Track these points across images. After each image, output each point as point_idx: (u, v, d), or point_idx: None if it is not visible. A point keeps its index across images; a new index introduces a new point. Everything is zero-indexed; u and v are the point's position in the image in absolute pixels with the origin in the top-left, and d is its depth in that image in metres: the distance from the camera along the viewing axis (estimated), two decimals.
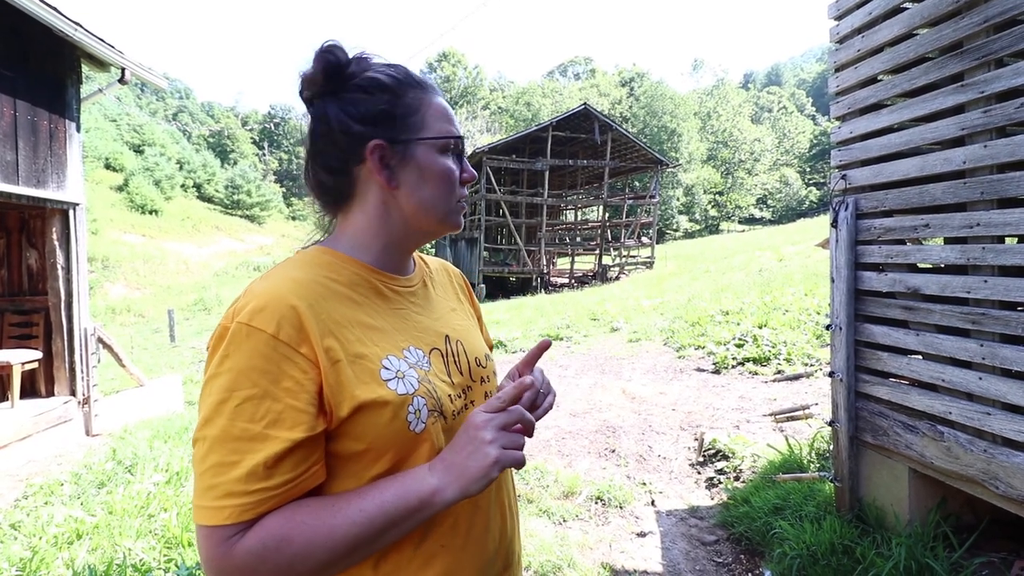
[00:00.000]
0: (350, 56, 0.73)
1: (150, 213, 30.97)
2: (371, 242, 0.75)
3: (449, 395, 0.73)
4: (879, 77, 2.43)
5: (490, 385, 0.83)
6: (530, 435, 0.67)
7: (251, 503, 0.57)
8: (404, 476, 0.63)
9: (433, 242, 28.75)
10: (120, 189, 31.52)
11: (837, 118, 2.64)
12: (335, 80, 0.71)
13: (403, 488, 0.62)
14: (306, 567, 0.58)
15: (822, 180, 47.41)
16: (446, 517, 0.69)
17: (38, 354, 4.81)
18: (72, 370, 4.95)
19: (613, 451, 4.04)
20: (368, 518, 0.59)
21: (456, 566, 0.70)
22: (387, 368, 0.67)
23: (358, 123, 0.71)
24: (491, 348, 0.97)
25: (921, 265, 2.30)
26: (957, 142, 2.08)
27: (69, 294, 4.92)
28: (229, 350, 0.60)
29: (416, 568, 0.67)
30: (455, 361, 0.77)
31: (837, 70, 2.62)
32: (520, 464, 0.63)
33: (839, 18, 2.59)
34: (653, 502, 3.24)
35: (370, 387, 0.64)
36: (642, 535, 2.86)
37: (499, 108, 51.98)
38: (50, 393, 4.98)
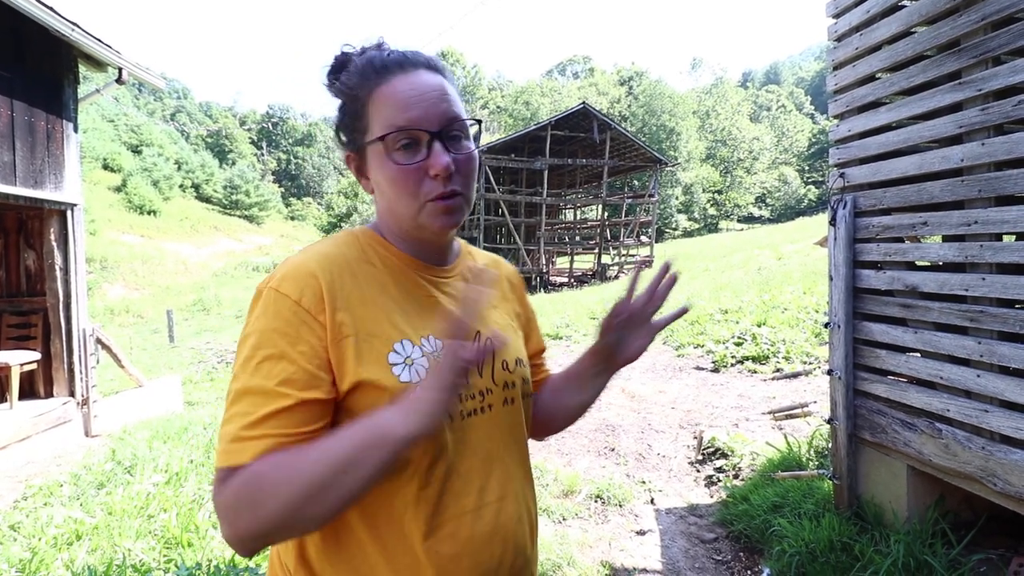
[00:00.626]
0: (335, 64, 0.73)
1: (148, 213, 30.94)
2: (393, 234, 0.75)
3: (460, 394, 0.69)
4: (877, 75, 2.43)
5: (515, 391, 0.78)
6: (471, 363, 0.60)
7: (250, 447, 0.59)
8: (367, 417, 0.61)
9: None
10: (118, 190, 31.49)
11: (835, 116, 2.64)
12: (331, 91, 0.74)
13: (363, 424, 0.60)
14: (276, 503, 0.57)
15: (821, 179, 47.46)
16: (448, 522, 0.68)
17: (36, 355, 4.80)
18: (71, 371, 4.94)
19: (612, 449, 4.04)
20: (326, 455, 0.59)
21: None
22: (397, 352, 0.67)
23: (337, 134, 0.75)
24: (542, 351, 0.95)
25: (919, 263, 2.30)
26: (955, 140, 2.08)
27: (67, 295, 4.91)
28: (259, 311, 0.65)
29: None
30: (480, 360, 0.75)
31: (835, 68, 2.62)
32: (472, 359, 0.59)
33: (837, 16, 2.59)
34: (652, 500, 3.25)
35: (372, 368, 0.65)
36: (641, 533, 2.87)
37: (498, 107, 51.97)
38: (49, 394, 4.97)
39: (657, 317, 0.85)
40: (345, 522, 0.67)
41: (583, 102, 21.04)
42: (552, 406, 0.92)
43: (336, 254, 0.69)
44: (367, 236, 0.75)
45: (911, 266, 2.30)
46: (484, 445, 0.72)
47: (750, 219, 46.74)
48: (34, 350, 4.86)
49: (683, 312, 0.84)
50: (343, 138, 0.74)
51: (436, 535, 0.67)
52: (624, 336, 0.84)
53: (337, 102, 0.75)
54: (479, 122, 0.75)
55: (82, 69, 5.03)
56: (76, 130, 4.92)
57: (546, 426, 0.94)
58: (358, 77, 0.69)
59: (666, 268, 0.81)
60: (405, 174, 0.67)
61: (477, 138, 0.74)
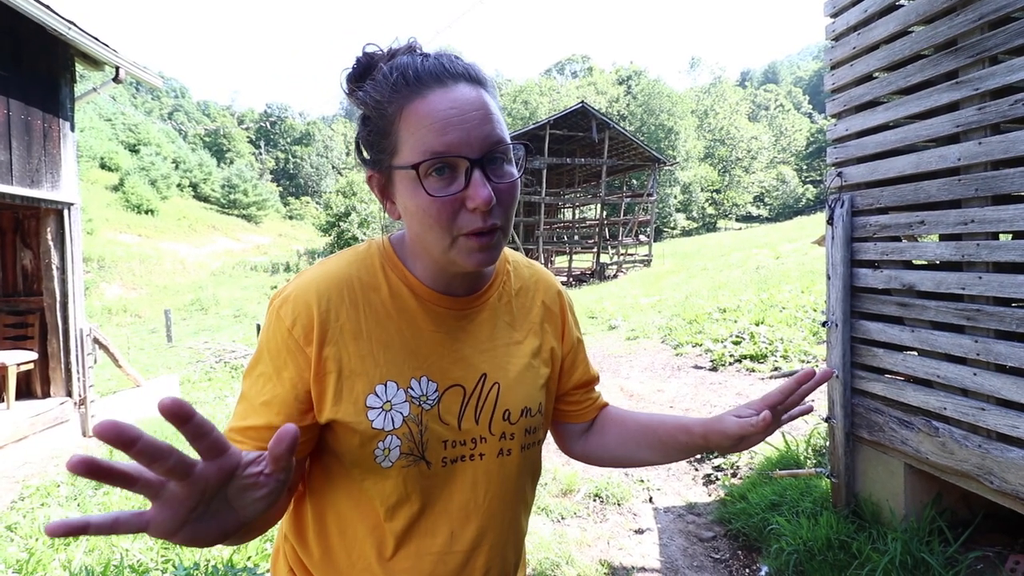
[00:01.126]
0: (356, 67, 0.64)
1: (146, 213, 30.87)
2: (418, 263, 0.68)
3: (445, 440, 0.67)
4: (874, 74, 2.43)
5: (514, 443, 0.71)
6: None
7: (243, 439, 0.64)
8: None
9: None
10: (115, 189, 31.41)
11: (833, 115, 2.64)
12: (352, 99, 0.65)
13: None
14: None
15: (819, 178, 47.54)
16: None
17: (33, 355, 4.79)
18: (68, 371, 4.93)
19: None
20: None
21: None
22: (377, 395, 0.65)
23: (359, 153, 0.67)
24: (590, 383, 0.85)
25: (916, 262, 2.31)
26: (952, 139, 2.09)
27: (64, 294, 4.90)
28: (265, 326, 0.67)
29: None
30: (476, 406, 0.69)
31: (833, 67, 2.63)
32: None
33: (835, 15, 2.59)
34: (651, 499, 3.25)
35: (348, 408, 0.64)
36: (640, 532, 2.87)
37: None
38: (46, 394, 4.96)
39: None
40: (323, 523, 0.71)
41: (582, 101, 21.03)
42: (611, 444, 0.83)
43: (344, 276, 0.66)
44: (384, 256, 0.69)
45: (908, 265, 2.31)
46: (465, 494, 0.69)
47: (748, 218, 46.79)
48: (31, 350, 4.85)
49: (807, 411, 0.71)
50: (366, 155, 0.65)
51: (395, 561, 0.68)
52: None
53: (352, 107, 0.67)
54: (526, 146, 0.64)
55: (79, 68, 5.01)
56: (73, 129, 4.90)
57: (588, 457, 0.86)
58: (388, 88, 0.59)
59: (813, 375, 0.66)
60: (439, 206, 0.58)
61: (521, 163, 0.63)
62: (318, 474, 0.71)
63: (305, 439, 0.66)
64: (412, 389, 0.66)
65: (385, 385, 0.65)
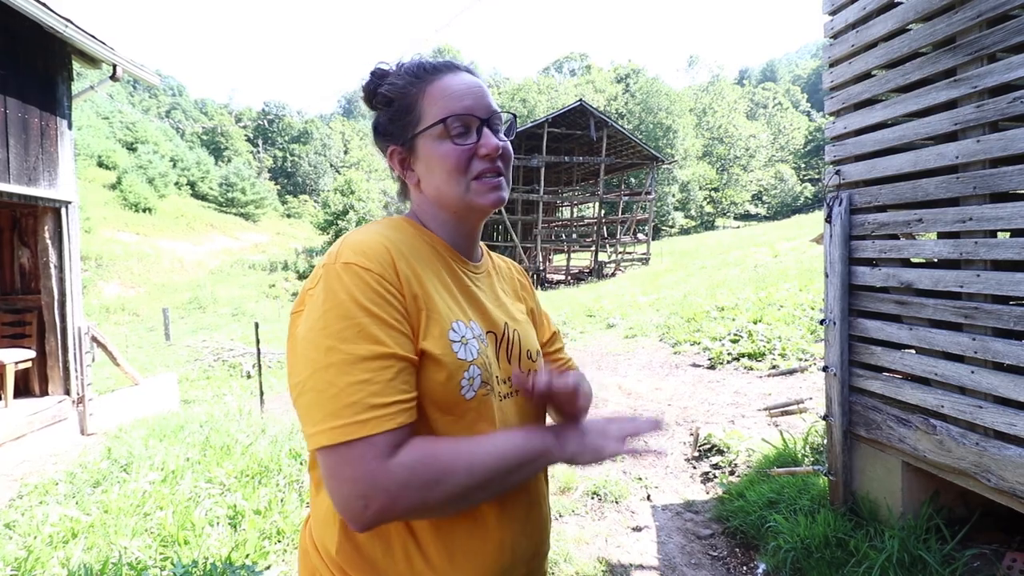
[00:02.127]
0: (375, 75, 0.80)
1: (144, 211, 30.78)
2: (434, 224, 0.80)
3: (496, 376, 0.76)
4: (873, 72, 2.43)
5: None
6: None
7: (392, 413, 0.63)
8: (532, 432, 0.71)
9: None
10: (113, 187, 31.32)
11: (831, 113, 2.64)
12: (369, 100, 0.82)
13: (530, 438, 0.70)
14: (448, 486, 0.63)
15: (817, 176, 47.58)
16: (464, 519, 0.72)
17: (31, 353, 4.78)
18: (66, 369, 4.92)
19: None
20: (503, 452, 0.67)
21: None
22: (455, 331, 0.71)
23: (380, 135, 0.82)
24: (556, 334, 1.01)
25: (914, 260, 2.31)
26: (950, 137, 2.09)
27: (62, 293, 4.89)
28: (332, 287, 0.66)
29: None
30: (508, 349, 0.80)
31: (831, 65, 2.63)
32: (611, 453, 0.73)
33: (833, 13, 2.59)
34: (649, 497, 3.26)
35: (435, 342, 0.69)
36: (638, 530, 2.88)
37: None
38: (44, 392, 4.95)
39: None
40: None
41: (580, 99, 21.02)
42: None
43: (389, 236, 0.73)
44: (410, 224, 0.80)
45: (906, 263, 2.31)
46: (517, 426, 0.78)
47: (747, 216, 46.82)
48: (29, 348, 4.84)
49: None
50: (390, 132, 0.79)
51: (503, 508, 0.75)
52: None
53: (371, 114, 0.83)
54: (514, 116, 0.84)
55: (76, 66, 4.98)
56: (70, 127, 4.88)
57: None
58: (410, 76, 0.77)
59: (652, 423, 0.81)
60: (459, 153, 0.74)
61: (510, 132, 0.82)
62: None
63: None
64: (472, 328, 0.74)
65: (458, 323, 0.72)
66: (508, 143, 0.79)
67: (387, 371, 0.63)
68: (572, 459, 0.71)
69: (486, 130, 0.76)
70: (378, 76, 0.80)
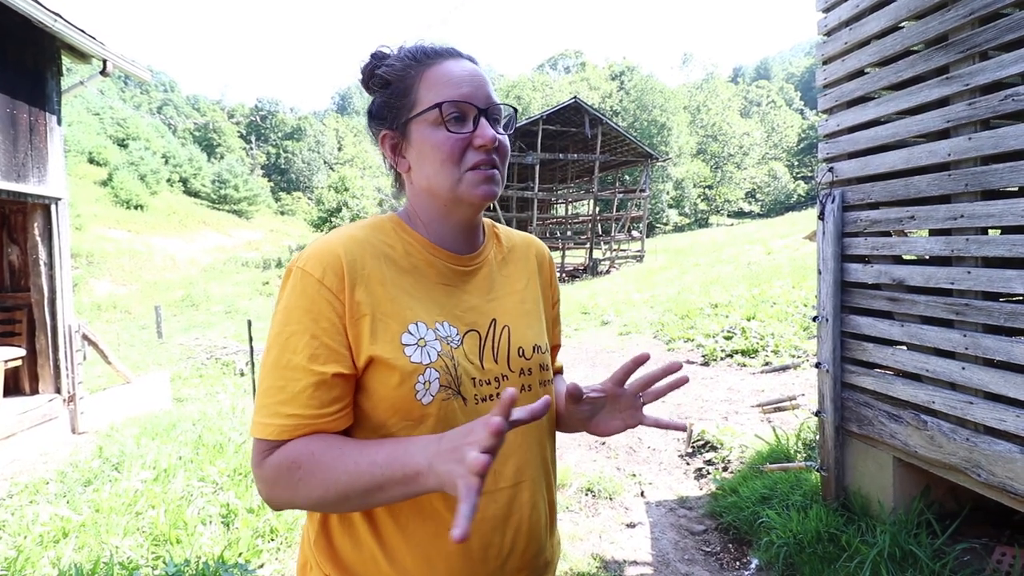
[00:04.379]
0: (375, 56, 0.78)
1: (135, 208, 30.49)
2: (423, 215, 0.78)
3: (474, 378, 0.72)
4: (866, 70, 2.44)
5: (532, 378, 0.79)
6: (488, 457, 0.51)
7: (287, 426, 0.65)
8: (406, 443, 0.62)
9: None
10: (104, 184, 30.99)
11: (824, 111, 2.65)
12: (366, 83, 0.79)
13: (396, 455, 0.61)
14: (307, 492, 0.64)
15: (810, 174, 47.80)
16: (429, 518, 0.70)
17: (21, 351, 4.72)
18: (56, 367, 4.87)
19: (603, 443, 4.06)
20: (359, 472, 0.62)
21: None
22: (410, 333, 0.69)
23: (373, 119, 0.79)
24: (557, 348, 0.94)
25: (906, 257, 2.33)
26: (942, 134, 2.10)
27: (52, 290, 4.83)
28: (288, 289, 0.69)
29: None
30: (493, 347, 0.76)
31: (824, 63, 2.63)
32: (483, 465, 0.50)
33: (827, 11, 2.60)
34: (643, 493, 3.27)
35: (385, 346, 0.67)
36: (632, 526, 2.89)
37: None
38: (34, 391, 4.89)
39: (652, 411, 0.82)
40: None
41: (574, 97, 20.99)
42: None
43: (361, 236, 0.73)
44: (394, 222, 0.78)
45: (898, 260, 2.33)
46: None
47: (740, 214, 47.02)
48: (19, 346, 4.78)
49: (679, 427, 0.78)
50: (384, 115, 0.77)
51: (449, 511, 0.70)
52: (598, 411, 0.80)
53: (368, 97, 0.80)
54: (515, 110, 0.80)
55: (66, 61, 4.91)
56: (60, 123, 4.82)
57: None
58: (409, 59, 0.75)
59: (674, 368, 0.76)
60: (453, 142, 0.71)
61: (509, 127, 0.78)
62: None
63: (348, 402, 0.68)
64: (439, 329, 0.72)
65: (416, 325, 0.70)
66: (506, 137, 0.75)
67: (298, 383, 0.65)
68: (438, 477, 0.56)
69: (483, 120, 0.72)
70: (377, 58, 0.78)
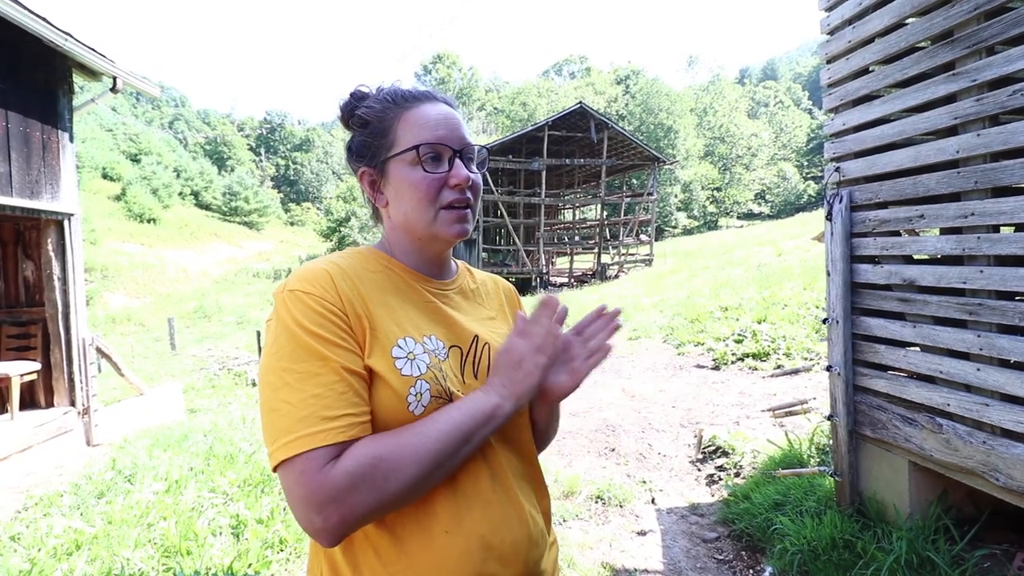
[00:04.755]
0: (354, 96, 0.82)
1: (148, 222, 30.97)
2: (400, 247, 0.82)
3: (459, 392, 0.74)
4: (871, 68, 2.41)
5: None
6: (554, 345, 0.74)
7: (342, 426, 0.64)
8: (464, 400, 0.71)
9: None
10: (118, 198, 31.53)
11: (830, 110, 2.62)
12: (345, 121, 0.83)
13: (468, 407, 0.69)
14: (398, 482, 0.63)
15: (820, 174, 47.37)
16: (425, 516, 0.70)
17: (37, 365, 4.79)
18: (71, 380, 4.93)
19: (613, 450, 4.02)
20: (445, 432, 0.66)
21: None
22: (400, 347, 0.71)
23: (353, 157, 0.83)
24: None
25: (917, 256, 2.28)
26: (950, 131, 2.07)
27: (66, 304, 4.91)
28: (283, 313, 0.68)
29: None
30: (474, 363, 0.79)
31: (829, 62, 2.61)
32: (552, 354, 0.74)
33: (830, 9, 2.58)
34: (653, 500, 3.23)
35: (378, 360, 0.69)
36: (642, 533, 2.85)
37: (495, 109, 51.98)
38: (50, 404, 4.96)
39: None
40: (382, 523, 0.70)
41: (580, 102, 21.02)
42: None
43: (343, 262, 0.75)
44: (371, 251, 0.81)
45: (909, 260, 2.29)
46: (495, 437, 0.76)
47: (750, 216, 46.67)
48: (34, 360, 4.86)
49: (606, 351, 0.82)
50: (363, 153, 0.81)
51: (463, 522, 0.71)
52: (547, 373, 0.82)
53: (347, 133, 0.84)
54: (487, 150, 0.85)
55: (77, 79, 5.02)
56: (72, 140, 4.92)
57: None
58: (388, 101, 0.79)
59: (600, 312, 0.81)
60: (429, 181, 0.75)
61: (483, 165, 0.84)
62: None
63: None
64: (426, 343, 0.74)
65: (405, 339, 0.72)
66: (479, 176, 0.80)
67: (337, 385, 0.65)
68: (516, 398, 0.72)
69: (458, 161, 0.77)
70: (357, 98, 0.82)
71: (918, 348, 2.23)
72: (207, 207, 40.17)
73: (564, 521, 2.99)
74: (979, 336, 1.94)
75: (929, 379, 2.19)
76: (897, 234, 2.33)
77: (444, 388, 0.72)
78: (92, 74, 5.02)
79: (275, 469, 0.63)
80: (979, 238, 1.93)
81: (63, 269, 4.89)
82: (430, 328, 0.76)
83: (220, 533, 2.78)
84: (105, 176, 33.95)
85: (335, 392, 0.64)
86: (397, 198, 0.78)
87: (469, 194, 0.78)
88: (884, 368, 2.40)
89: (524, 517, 0.76)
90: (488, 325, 0.86)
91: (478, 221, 20.33)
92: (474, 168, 0.80)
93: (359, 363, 0.68)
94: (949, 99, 2.05)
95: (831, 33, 2.58)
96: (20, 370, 4.55)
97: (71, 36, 4.43)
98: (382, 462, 0.63)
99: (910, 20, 2.21)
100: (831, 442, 2.72)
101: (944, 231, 2.13)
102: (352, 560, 0.71)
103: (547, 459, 3.90)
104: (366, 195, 0.83)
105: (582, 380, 0.78)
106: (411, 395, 0.69)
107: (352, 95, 0.83)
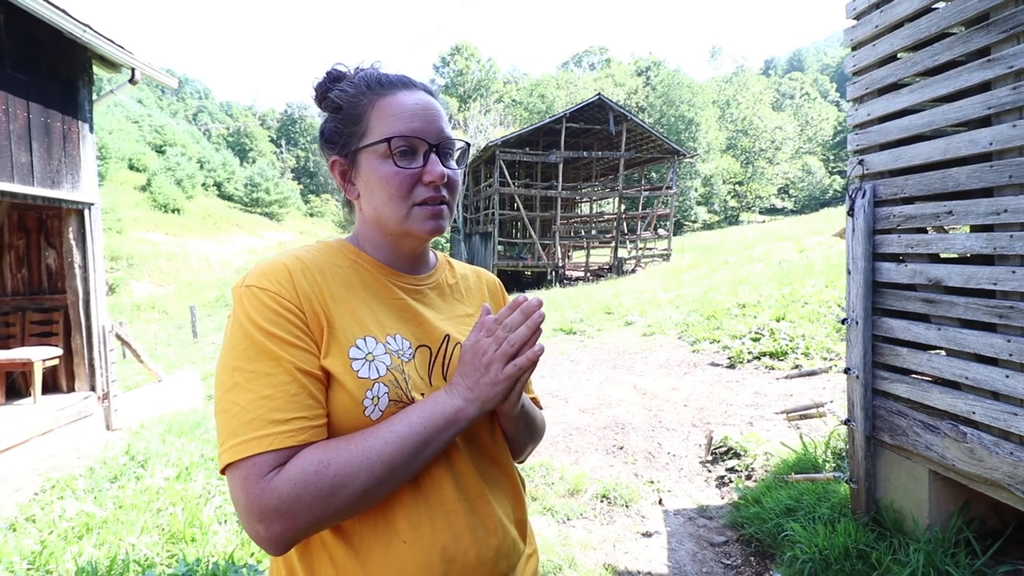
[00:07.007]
0: (329, 76, 0.77)
1: (173, 212, 31.65)
2: (371, 242, 0.77)
3: (422, 393, 0.70)
4: (898, 55, 2.29)
5: None
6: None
7: (291, 431, 0.60)
8: (425, 401, 0.66)
9: (447, 237, 28.79)
10: (143, 189, 32.25)
11: (854, 100, 2.50)
12: (319, 101, 0.78)
13: (428, 410, 0.65)
14: (347, 491, 0.59)
15: (846, 168, 46.00)
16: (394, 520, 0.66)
17: (58, 351, 4.92)
18: (92, 366, 5.05)
19: (621, 448, 3.96)
20: (400, 437, 0.62)
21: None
22: (358, 347, 0.67)
23: (325, 142, 0.77)
24: None
25: (944, 255, 2.17)
26: (983, 122, 1.94)
27: (87, 292, 5.02)
28: (239, 310, 0.65)
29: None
30: (444, 363, 0.74)
31: (854, 48, 2.48)
32: (527, 365, 0.65)
33: None
34: (661, 501, 3.16)
35: (334, 361, 0.65)
36: (648, 535, 2.79)
37: (513, 101, 51.65)
38: (71, 389, 5.10)
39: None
40: (339, 530, 0.67)
41: (598, 93, 20.74)
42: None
43: (307, 256, 0.71)
44: (340, 244, 0.77)
45: (935, 258, 2.17)
46: (459, 442, 0.73)
47: (772, 211, 45.69)
48: (56, 346, 4.99)
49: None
50: (335, 140, 0.76)
51: (419, 532, 0.66)
52: None
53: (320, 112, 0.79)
54: (468, 144, 0.80)
55: (97, 70, 5.10)
56: (91, 130, 4.99)
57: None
58: (362, 86, 0.74)
59: (516, 304, 0.69)
60: (402, 177, 0.70)
61: (462, 160, 0.78)
62: None
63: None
64: (389, 343, 0.70)
65: (364, 339, 0.68)
66: (456, 172, 0.75)
67: (290, 386, 0.61)
68: (481, 403, 0.66)
69: (433, 156, 0.72)
70: (332, 78, 0.76)
71: (943, 352, 2.12)
72: (229, 198, 40.88)
73: (568, 520, 2.94)
74: (1009, 341, 1.82)
75: (953, 385, 2.07)
76: (923, 231, 2.21)
77: (405, 392, 0.68)
78: (112, 65, 5.09)
79: (222, 472, 0.60)
80: (1012, 236, 1.81)
81: (83, 257, 4.99)
82: (396, 327, 0.72)
83: (225, 521, 2.80)
84: (131, 167, 34.73)
85: (287, 394, 0.61)
86: (368, 191, 0.73)
87: (445, 191, 0.73)
88: (905, 372, 2.29)
89: (493, 527, 0.71)
90: (464, 323, 0.81)
91: (493, 214, 20.26)
92: (452, 164, 0.75)
93: (315, 363, 0.64)
94: (983, 87, 1.92)
95: (857, 18, 2.45)
96: (42, 355, 4.67)
97: (90, 27, 4.49)
98: (328, 468, 0.59)
99: (940, 3, 2.08)
100: (847, 447, 2.62)
101: (974, 228, 2.01)
102: (309, 568, 0.67)
103: (553, 456, 3.85)
104: (336, 185, 0.78)
105: (509, 390, 0.67)
106: (367, 398, 0.65)
107: (328, 74, 0.77)
